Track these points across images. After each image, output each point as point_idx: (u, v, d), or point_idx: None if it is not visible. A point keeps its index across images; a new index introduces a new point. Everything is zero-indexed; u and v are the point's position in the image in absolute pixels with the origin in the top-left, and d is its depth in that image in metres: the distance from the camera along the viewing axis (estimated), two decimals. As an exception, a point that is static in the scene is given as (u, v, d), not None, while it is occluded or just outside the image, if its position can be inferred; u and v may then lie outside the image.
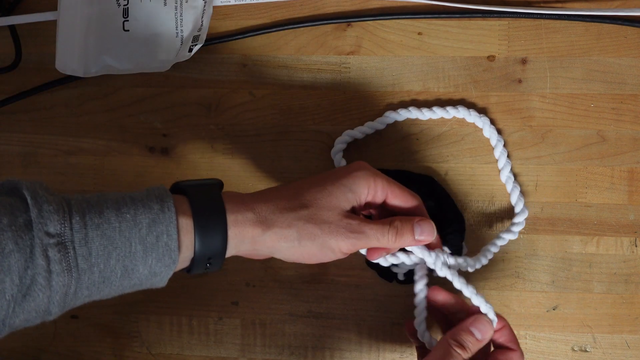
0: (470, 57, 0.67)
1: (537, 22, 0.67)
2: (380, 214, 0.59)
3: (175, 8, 0.68)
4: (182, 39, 0.68)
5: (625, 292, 0.64)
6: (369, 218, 0.60)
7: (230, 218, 0.51)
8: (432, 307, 0.59)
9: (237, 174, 0.68)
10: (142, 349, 0.68)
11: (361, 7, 0.69)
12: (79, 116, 0.70)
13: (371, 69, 0.68)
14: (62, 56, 0.67)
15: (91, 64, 0.68)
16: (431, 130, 0.67)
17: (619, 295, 0.64)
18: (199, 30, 0.68)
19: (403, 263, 0.60)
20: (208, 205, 0.51)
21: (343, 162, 0.65)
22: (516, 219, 0.63)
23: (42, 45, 0.70)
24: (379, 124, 0.66)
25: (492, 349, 0.59)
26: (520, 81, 0.66)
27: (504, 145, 0.65)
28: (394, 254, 0.60)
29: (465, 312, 0.58)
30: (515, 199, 0.64)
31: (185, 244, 0.50)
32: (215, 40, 0.69)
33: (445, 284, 0.59)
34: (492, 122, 0.66)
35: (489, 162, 0.66)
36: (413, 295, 0.60)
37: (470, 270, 0.60)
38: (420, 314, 0.58)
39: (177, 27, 0.68)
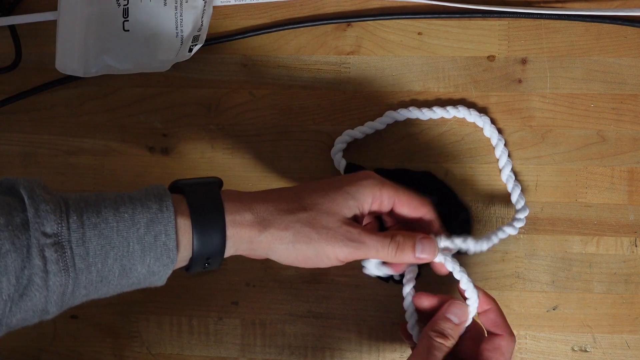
0: (470, 57, 0.67)
1: (537, 22, 0.67)
2: (391, 221, 0.59)
3: (175, 8, 0.68)
4: (182, 39, 0.68)
5: (625, 292, 0.64)
6: (380, 224, 0.60)
7: (229, 218, 0.51)
8: (420, 311, 0.59)
9: (237, 173, 0.68)
10: (142, 349, 0.68)
11: (361, 7, 0.68)
12: (79, 116, 0.70)
13: (371, 69, 0.68)
14: (62, 56, 0.67)
15: (91, 64, 0.68)
16: (431, 130, 0.67)
17: (619, 295, 0.64)
18: (199, 30, 0.68)
19: None
20: (206, 205, 0.51)
21: (343, 162, 0.65)
22: (518, 215, 0.63)
23: (42, 45, 0.70)
24: (379, 124, 0.66)
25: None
26: (520, 81, 0.66)
27: (505, 145, 0.65)
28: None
29: None
30: (516, 197, 0.64)
31: (183, 243, 0.50)
32: (215, 40, 0.69)
33: (439, 279, 0.59)
34: (493, 121, 0.66)
35: (489, 162, 0.66)
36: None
37: (470, 251, 0.58)
38: (411, 317, 0.58)
39: (177, 27, 0.68)
